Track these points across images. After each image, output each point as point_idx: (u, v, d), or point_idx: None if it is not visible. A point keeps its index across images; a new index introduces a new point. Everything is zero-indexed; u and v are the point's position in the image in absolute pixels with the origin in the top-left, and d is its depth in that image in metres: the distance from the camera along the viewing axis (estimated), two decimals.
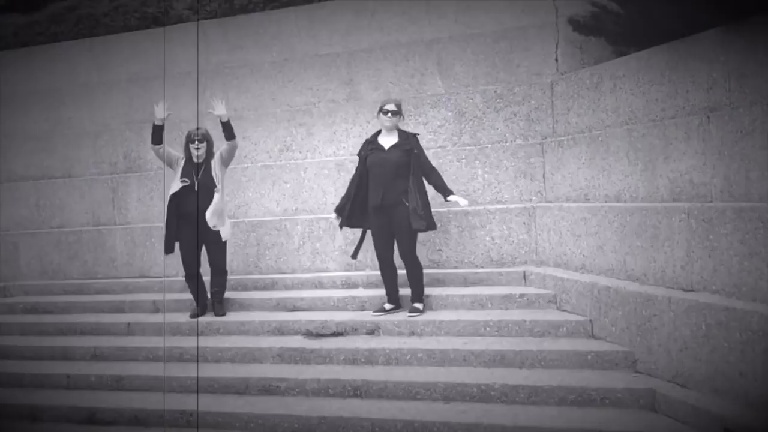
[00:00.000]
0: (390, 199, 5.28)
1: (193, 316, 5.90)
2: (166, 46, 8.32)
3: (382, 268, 5.51)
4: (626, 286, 4.39)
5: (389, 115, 5.40)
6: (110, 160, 8.03)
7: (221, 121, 5.78)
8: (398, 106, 5.48)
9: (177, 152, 5.96)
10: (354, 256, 5.57)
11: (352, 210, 5.47)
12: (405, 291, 5.52)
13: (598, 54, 6.12)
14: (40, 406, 5.00)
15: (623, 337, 4.35)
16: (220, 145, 5.93)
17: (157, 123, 5.75)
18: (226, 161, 5.98)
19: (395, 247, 5.49)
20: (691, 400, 3.57)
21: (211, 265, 5.95)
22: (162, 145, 5.82)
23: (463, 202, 5.44)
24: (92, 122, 8.42)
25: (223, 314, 5.89)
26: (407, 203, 5.24)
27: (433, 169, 5.52)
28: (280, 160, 7.30)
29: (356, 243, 5.61)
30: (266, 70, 7.72)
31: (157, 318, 6.08)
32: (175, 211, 5.72)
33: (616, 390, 3.94)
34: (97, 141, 8.08)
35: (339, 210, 5.57)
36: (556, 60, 6.56)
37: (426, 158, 5.52)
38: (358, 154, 5.60)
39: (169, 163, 5.93)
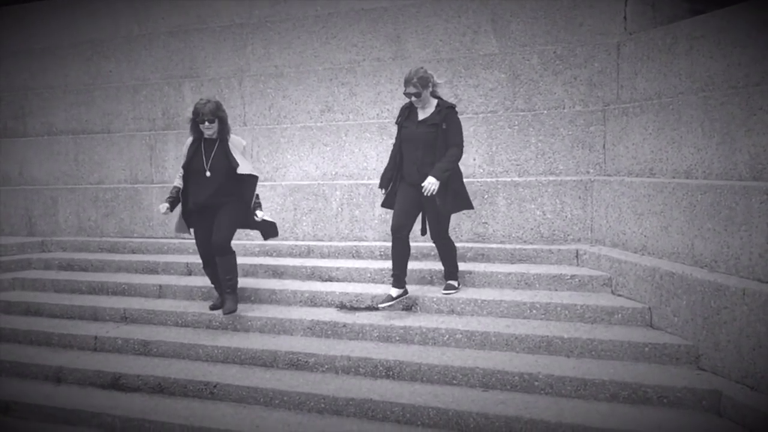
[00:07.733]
0: (424, 176, 4.70)
1: (213, 307, 5.35)
2: None
3: (394, 241, 4.80)
4: (693, 272, 4.00)
5: (412, 98, 4.78)
6: (149, 116, 7.85)
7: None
8: (418, 85, 4.69)
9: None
10: (423, 232, 5.05)
11: (395, 184, 4.97)
12: (439, 266, 5.18)
13: (672, 12, 5.60)
14: (66, 368, 4.94)
15: (686, 329, 3.99)
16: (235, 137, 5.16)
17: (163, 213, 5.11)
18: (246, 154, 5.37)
19: (416, 225, 4.99)
20: (762, 405, 3.23)
21: (212, 243, 5.01)
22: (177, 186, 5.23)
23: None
24: (132, 76, 8.26)
25: (233, 311, 4.99)
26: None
27: (453, 146, 4.72)
28: (321, 122, 6.98)
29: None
30: (309, 24, 7.34)
31: (189, 281, 5.95)
32: (187, 199, 5.12)
33: (676, 388, 3.64)
34: (136, 96, 7.90)
35: (385, 182, 5.02)
36: (625, 18, 6.01)
37: (456, 133, 4.74)
38: (396, 122, 5.04)
39: None
